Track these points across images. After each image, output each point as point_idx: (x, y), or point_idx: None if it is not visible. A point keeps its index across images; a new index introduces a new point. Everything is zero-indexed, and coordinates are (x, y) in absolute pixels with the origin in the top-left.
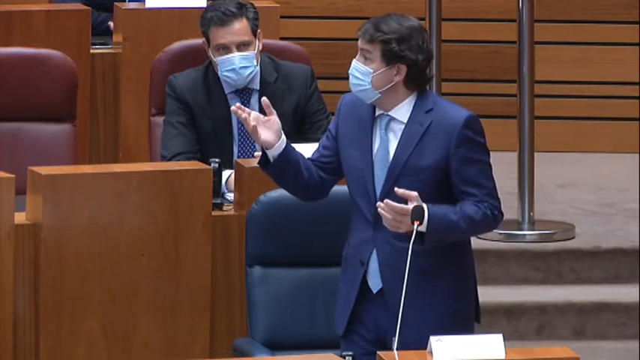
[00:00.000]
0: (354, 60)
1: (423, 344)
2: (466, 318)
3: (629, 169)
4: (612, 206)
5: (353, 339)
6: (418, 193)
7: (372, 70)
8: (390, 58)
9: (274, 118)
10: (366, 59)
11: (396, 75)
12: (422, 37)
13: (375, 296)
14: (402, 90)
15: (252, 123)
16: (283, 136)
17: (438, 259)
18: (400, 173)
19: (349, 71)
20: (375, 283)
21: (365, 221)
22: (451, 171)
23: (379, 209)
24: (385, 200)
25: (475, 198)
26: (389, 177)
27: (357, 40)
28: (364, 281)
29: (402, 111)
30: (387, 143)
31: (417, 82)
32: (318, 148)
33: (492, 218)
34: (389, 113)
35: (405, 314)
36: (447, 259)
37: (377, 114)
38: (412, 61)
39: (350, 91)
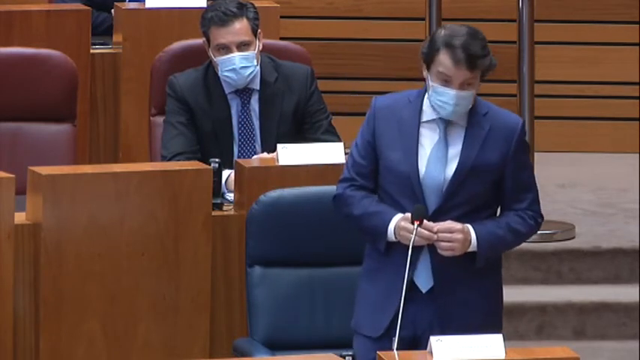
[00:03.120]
0: (457, 91)
1: None
2: (499, 316)
3: (629, 169)
4: (612, 206)
5: (385, 342)
6: (478, 194)
7: (473, 92)
8: (484, 75)
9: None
10: (469, 85)
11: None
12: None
13: (419, 295)
14: None
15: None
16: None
17: (490, 260)
18: (468, 174)
19: (452, 102)
20: (424, 282)
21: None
22: (506, 175)
23: (436, 243)
24: (436, 229)
25: (522, 204)
26: (456, 178)
27: (358, 40)
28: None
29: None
30: (447, 146)
31: None
32: (352, 167)
33: (535, 226)
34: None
35: (450, 311)
36: (492, 260)
37: (432, 118)
38: (494, 66)
39: (380, 95)
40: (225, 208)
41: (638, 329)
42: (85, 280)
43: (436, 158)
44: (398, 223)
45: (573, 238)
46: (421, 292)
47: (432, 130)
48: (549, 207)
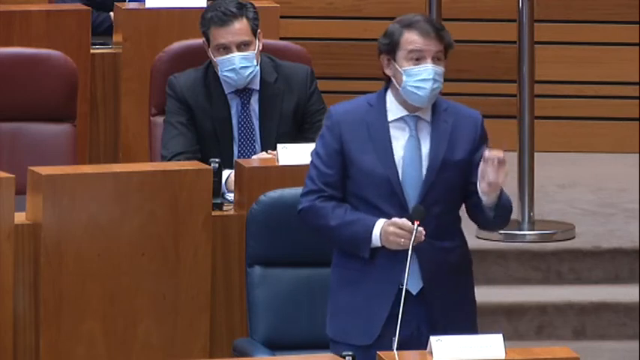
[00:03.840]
0: (433, 65)
1: None
2: (476, 315)
3: (629, 169)
4: (612, 206)
5: (378, 349)
6: (454, 188)
7: (444, 70)
8: (446, 53)
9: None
10: (439, 60)
11: None
12: None
13: (410, 298)
14: None
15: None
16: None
17: (467, 258)
18: (440, 169)
19: (431, 77)
20: (414, 284)
21: None
22: (474, 166)
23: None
24: (487, 155)
25: None
26: (429, 174)
27: (358, 40)
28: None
29: (426, 110)
30: (419, 143)
31: None
32: (318, 178)
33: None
34: (417, 114)
35: (439, 312)
36: (469, 258)
37: (399, 116)
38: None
39: (336, 104)
40: (225, 208)
41: (638, 329)
42: (85, 280)
43: (411, 157)
44: (385, 228)
45: (573, 238)
46: (411, 294)
47: (400, 129)
48: (549, 207)
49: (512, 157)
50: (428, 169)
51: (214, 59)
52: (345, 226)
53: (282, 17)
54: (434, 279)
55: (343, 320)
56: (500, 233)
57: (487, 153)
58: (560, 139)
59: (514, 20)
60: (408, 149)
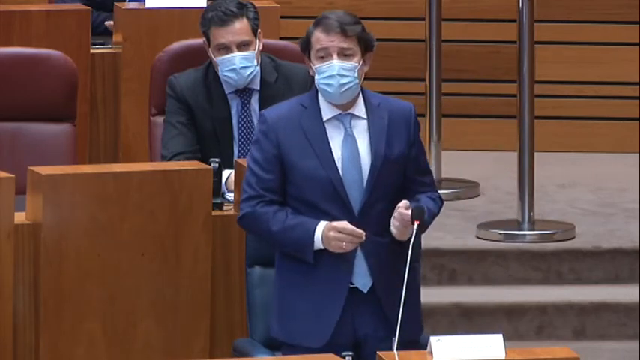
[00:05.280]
0: (338, 61)
1: (412, 342)
2: (421, 309)
3: (629, 169)
4: (612, 206)
5: (330, 350)
6: (394, 184)
7: (357, 65)
8: (366, 47)
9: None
10: (347, 56)
11: (365, 66)
12: None
13: (361, 296)
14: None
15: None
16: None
17: (406, 252)
18: (381, 167)
19: (335, 72)
20: (364, 282)
21: None
22: (411, 159)
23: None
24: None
25: (428, 187)
26: (371, 173)
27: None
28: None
29: (359, 107)
30: (356, 141)
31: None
32: (258, 184)
33: (441, 206)
34: (349, 111)
35: (392, 309)
36: (407, 252)
37: (332, 115)
38: (373, 47)
39: (268, 108)
40: (225, 208)
41: (638, 329)
42: (85, 280)
43: (350, 156)
44: (326, 233)
45: (573, 238)
46: (362, 292)
47: (335, 127)
48: (549, 207)
49: (513, 157)
50: (370, 168)
51: (214, 59)
52: (287, 230)
53: (282, 17)
54: (382, 276)
55: (293, 323)
56: (500, 233)
57: (402, 209)
58: (560, 139)
59: (514, 20)
60: (345, 148)
